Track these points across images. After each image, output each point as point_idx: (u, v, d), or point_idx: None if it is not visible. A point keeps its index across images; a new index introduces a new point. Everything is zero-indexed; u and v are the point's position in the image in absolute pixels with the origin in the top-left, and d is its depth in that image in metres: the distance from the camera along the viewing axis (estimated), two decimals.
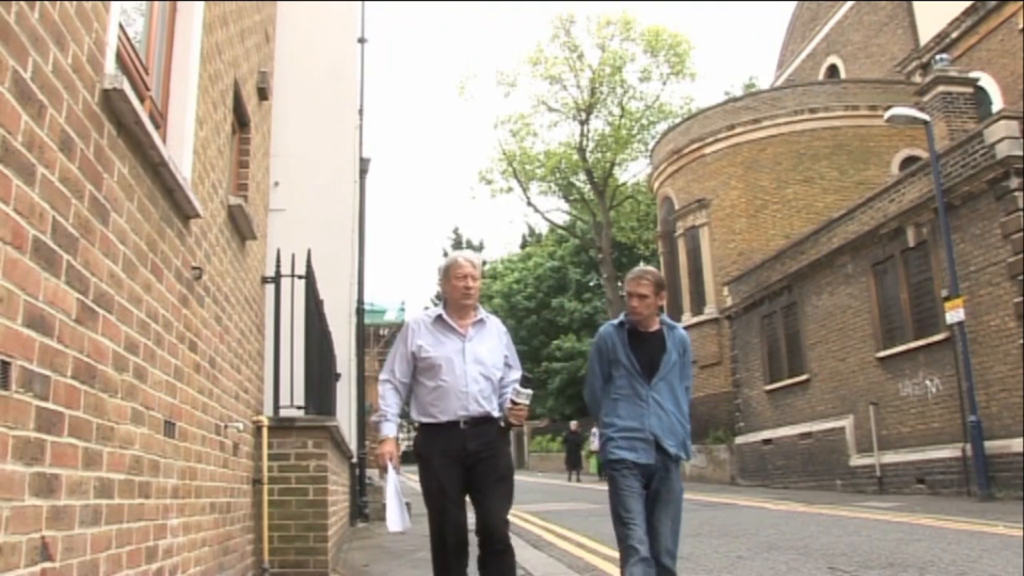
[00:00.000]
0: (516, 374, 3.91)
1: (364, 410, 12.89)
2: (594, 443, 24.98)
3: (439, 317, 3.86)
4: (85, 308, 2.36)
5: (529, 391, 3.72)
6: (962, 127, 14.70)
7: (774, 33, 57.48)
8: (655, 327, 3.84)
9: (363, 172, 11.92)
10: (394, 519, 3.66)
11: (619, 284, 35.67)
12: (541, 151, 34.31)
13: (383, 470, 3.68)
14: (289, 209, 7.80)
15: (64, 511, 2.19)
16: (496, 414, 3.76)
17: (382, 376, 3.84)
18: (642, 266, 4.00)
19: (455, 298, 3.85)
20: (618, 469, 3.66)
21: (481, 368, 3.76)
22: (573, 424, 26.73)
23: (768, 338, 18.77)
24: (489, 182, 35.54)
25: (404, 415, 4.01)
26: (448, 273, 3.87)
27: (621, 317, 3.90)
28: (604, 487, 3.81)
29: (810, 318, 17.08)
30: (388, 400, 3.79)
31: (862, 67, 24.72)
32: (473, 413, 3.68)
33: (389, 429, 3.78)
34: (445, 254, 45.12)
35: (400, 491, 3.71)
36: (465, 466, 3.66)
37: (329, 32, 10.06)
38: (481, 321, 3.90)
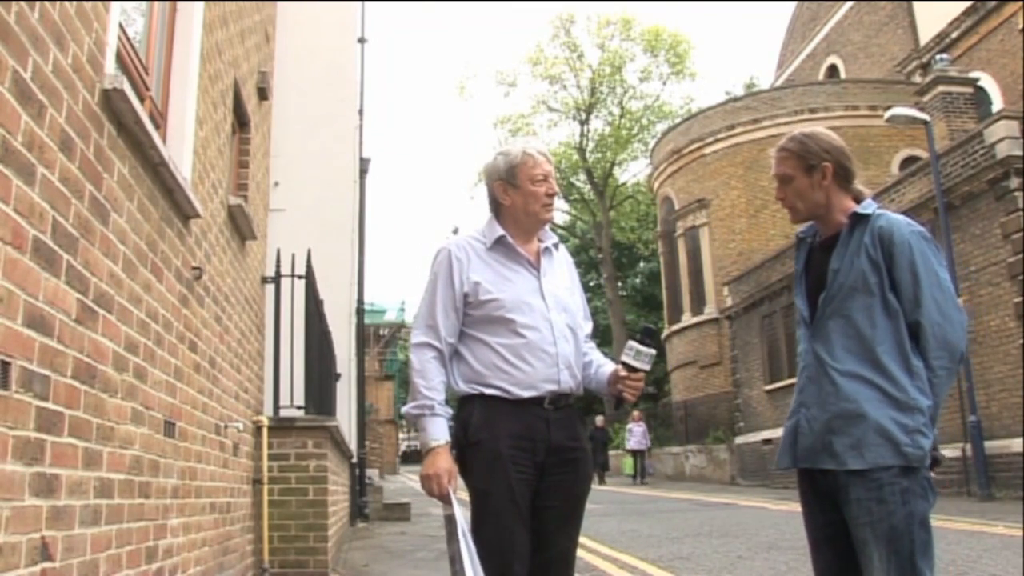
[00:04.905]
0: (589, 327, 2.61)
1: (364, 410, 12.88)
2: (630, 441, 22.22)
3: (501, 239, 2.45)
4: (85, 308, 2.36)
5: (652, 351, 2.38)
6: (962, 127, 14.71)
7: (774, 33, 57.51)
8: (840, 224, 2.22)
9: (363, 172, 11.94)
10: None
11: (619, 284, 35.73)
12: None
13: (442, 501, 2.24)
14: (289, 209, 7.80)
15: (64, 511, 2.19)
16: (579, 391, 2.47)
17: (418, 338, 2.38)
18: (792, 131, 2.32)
19: (533, 211, 2.45)
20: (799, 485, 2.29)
21: (567, 317, 2.45)
22: (599, 419, 24.21)
23: (768, 338, 18.76)
24: None
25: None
26: (516, 173, 2.44)
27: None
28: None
29: None
30: (431, 378, 2.32)
31: (862, 67, 24.73)
32: (564, 388, 2.37)
33: (439, 430, 2.28)
34: None
35: (471, 543, 2.15)
36: (540, 469, 2.32)
37: (329, 32, 10.09)
38: (548, 250, 2.53)
